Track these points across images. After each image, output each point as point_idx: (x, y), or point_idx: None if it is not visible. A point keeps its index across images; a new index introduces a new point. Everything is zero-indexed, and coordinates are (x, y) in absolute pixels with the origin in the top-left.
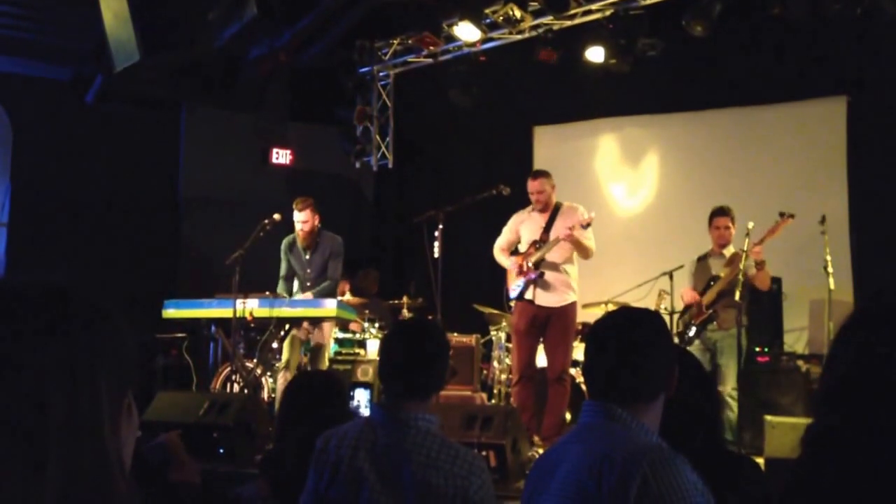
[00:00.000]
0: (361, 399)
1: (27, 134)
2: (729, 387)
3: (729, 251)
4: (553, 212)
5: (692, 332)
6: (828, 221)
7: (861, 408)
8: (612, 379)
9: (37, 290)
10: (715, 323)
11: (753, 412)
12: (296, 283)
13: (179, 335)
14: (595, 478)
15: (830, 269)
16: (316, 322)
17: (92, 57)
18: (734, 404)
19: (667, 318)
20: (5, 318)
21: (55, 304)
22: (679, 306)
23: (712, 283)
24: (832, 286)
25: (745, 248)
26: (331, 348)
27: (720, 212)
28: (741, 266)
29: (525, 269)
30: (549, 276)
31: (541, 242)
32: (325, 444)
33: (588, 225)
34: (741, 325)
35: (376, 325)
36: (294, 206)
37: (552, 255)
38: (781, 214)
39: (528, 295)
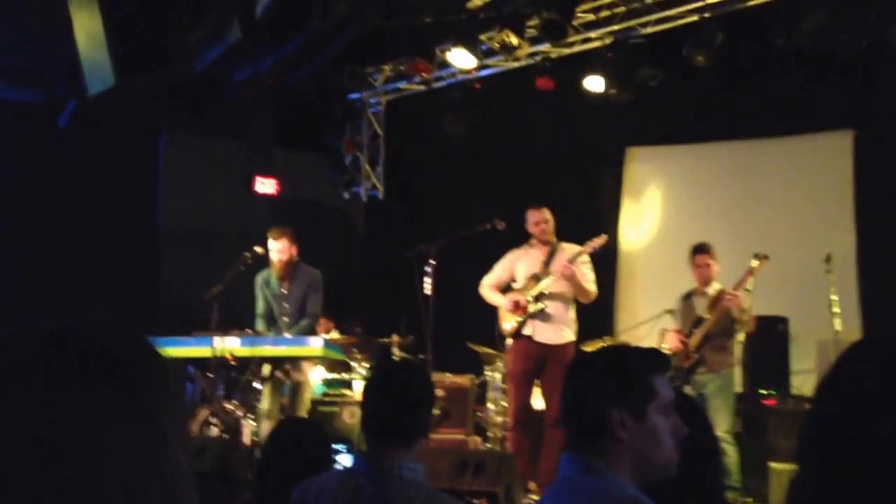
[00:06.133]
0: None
1: None
2: (721, 430)
3: (714, 288)
4: (553, 248)
5: (681, 377)
6: (834, 259)
7: (841, 462)
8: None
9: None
10: (704, 367)
11: (759, 458)
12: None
13: None
14: None
15: (836, 310)
16: (295, 361)
17: (64, 79)
18: (730, 448)
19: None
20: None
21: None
22: None
23: (697, 324)
24: (838, 327)
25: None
26: (313, 388)
27: (700, 249)
28: (727, 309)
29: (523, 303)
30: (549, 309)
31: (542, 275)
32: (302, 496)
33: (601, 246)
34: (732, 367)
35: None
36: (269, 235)
37: (552, 290)
38: (756, 256)
39: (527, 330)
